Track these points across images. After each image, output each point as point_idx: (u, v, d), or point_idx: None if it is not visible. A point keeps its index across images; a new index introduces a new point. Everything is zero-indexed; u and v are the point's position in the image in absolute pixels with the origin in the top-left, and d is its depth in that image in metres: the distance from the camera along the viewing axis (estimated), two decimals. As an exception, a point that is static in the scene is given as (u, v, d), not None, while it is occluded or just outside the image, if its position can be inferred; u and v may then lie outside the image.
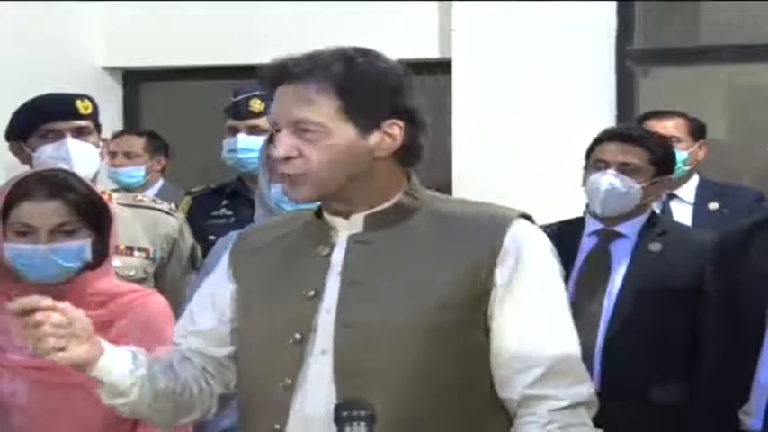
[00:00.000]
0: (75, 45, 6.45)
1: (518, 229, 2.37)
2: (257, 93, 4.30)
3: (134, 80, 6.89)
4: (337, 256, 2.39)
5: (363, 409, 2.18)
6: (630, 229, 3.90)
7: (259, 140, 4.23)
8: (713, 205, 4.86)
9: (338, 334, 2.34)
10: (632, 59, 6.12)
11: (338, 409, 2.20)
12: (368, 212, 2.39)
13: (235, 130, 4.31)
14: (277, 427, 2.35)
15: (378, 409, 2.19)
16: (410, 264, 2.35)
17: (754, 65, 6.13)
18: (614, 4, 6.04)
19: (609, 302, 3.80)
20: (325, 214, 2.43)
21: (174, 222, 3.77)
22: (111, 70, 6.76)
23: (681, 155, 4.90)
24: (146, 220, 3.69)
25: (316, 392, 2.33)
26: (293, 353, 2.36)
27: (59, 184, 2.97)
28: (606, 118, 5.73)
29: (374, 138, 2.34)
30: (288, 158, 2.34)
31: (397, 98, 2.36)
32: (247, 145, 4.27)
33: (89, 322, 2.37)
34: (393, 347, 2.30)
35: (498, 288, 2.34)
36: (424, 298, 2.31)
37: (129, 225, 3.53)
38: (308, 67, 2.33)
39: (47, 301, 2.33)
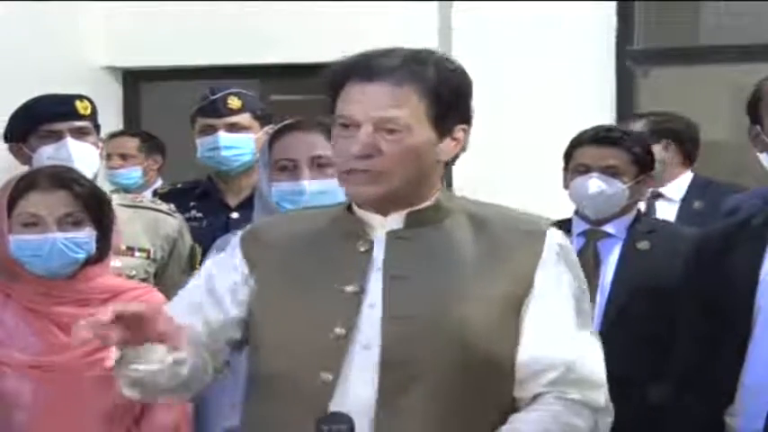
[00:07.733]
0: (76, 45, 6.46)
1: (554, 238, 2.43)
2: (234, 90, 4.28)
3: (134, 80, 6.90)
4: (377, 253, 2.40)
5: (344, 422, 2.22)
6: (618, 228, 3.91)
7: (241, 137, 4.21)
8: (697, 204, 4.87)
9: (387, 328, 2.34)
10: (632, 59, 6.13)
11: (319, 423, 2.22)
12: (409, 210, 2.41)
13: (212, 129, 4.24)
14: None
15: (418, 401, 2.29)
16: (453, 259, 2.38)
17: (754, 65, 6.12)
18: (614, 4, 6.05)
19: (601, 301, 3.81)
20: (358, 210, 2.44)
21: (173, 223, 3.76)
22: (111, 70, 6.77)
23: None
24: (145, 221, 3.68)
25: (357, 387, 2.34)
26: (335, 348, 2.35)
27: (65, 176, 3.02)
28: (606, 118, 5.71)
29: (445, 142, 2.39)
30: (365, 156, 2.34)
31: (467, 104, 2.42)
32: (230, 143, 4.20)
33: None
34: (441, 339, 2.32)
35: (534, 293, 2.38)
36: (472, 291, 2.34)
37: (129, 225, 3.52)
38: (401, 67, 2.36)
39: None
